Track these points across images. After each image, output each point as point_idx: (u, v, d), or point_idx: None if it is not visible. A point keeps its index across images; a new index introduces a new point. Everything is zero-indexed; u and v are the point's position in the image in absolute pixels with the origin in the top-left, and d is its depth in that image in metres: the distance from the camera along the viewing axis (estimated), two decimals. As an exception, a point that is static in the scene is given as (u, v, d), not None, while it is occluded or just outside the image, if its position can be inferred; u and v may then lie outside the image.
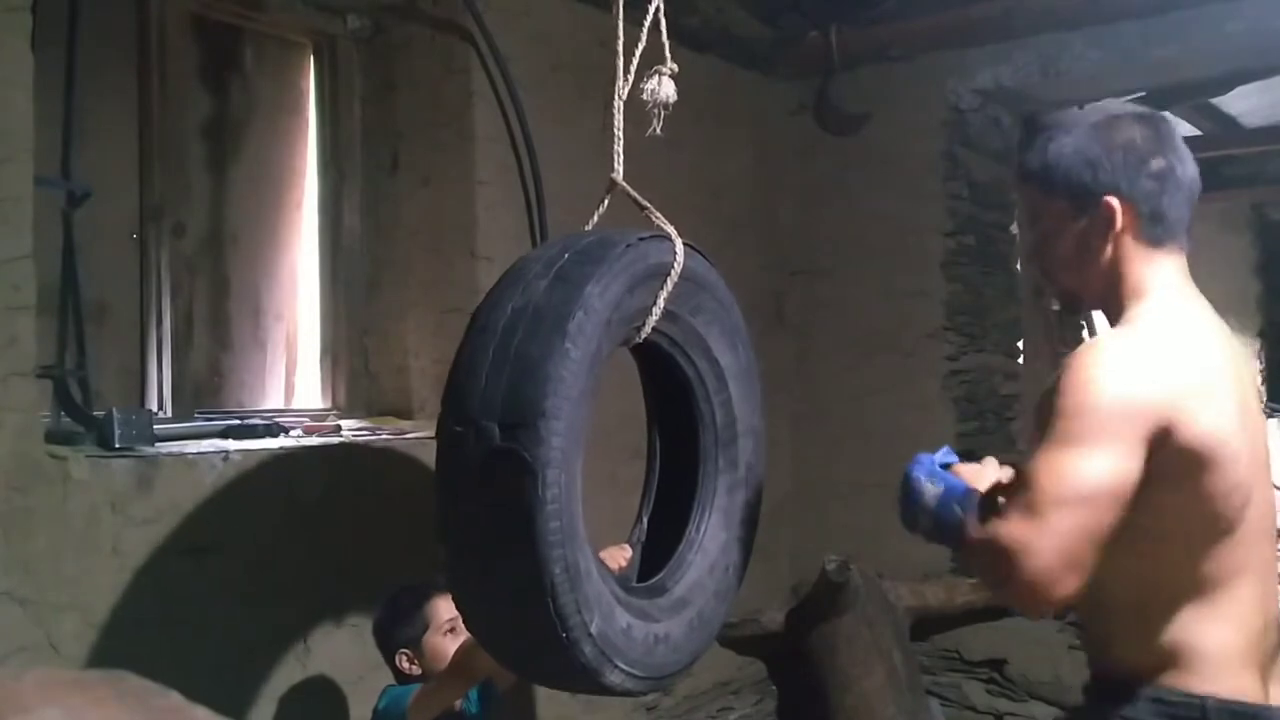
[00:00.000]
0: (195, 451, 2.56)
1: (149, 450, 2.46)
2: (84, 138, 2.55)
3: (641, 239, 1.99)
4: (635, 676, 1.94)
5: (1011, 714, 3.93)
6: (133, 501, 2.37)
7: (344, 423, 3.16)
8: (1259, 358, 7.94)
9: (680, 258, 2.03)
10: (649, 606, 2.06)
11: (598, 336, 1.84)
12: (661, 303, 2.01)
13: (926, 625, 3.85)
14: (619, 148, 2.16)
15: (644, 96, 2.14)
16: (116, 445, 2.39)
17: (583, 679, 1.89)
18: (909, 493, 1.75)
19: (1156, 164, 1.66)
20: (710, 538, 2.26)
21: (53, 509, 2.23)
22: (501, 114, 3.24)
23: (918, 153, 4.17)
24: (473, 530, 1.84)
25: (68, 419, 2.47)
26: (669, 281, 2.01)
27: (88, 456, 2.33)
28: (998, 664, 3.99)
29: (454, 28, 3.21)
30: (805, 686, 3.16)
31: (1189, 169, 1.70)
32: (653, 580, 2.19)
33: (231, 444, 2.67)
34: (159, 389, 2.86)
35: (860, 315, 4.32)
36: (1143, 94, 4.61)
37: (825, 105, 4.32)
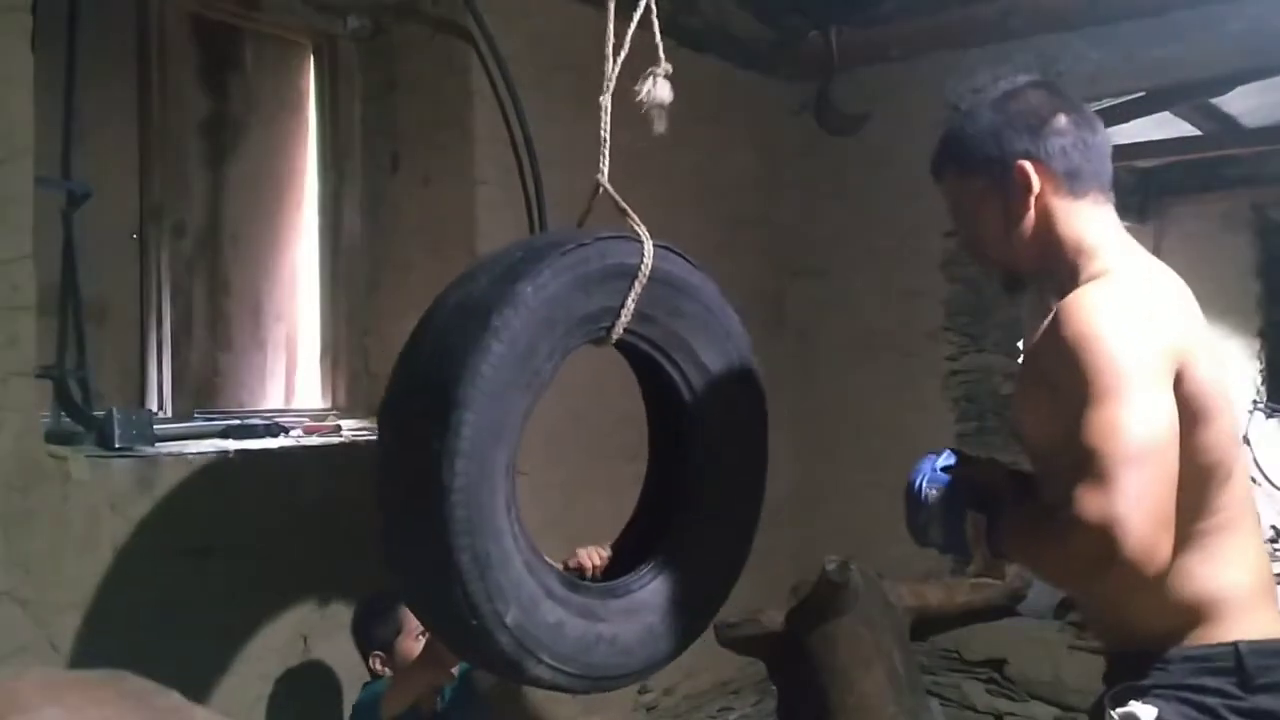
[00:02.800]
0: (195, 451, 2.56)
1: (149, 450, 2.46)
2: (84, 138, 2.55)
3: (599, 238, 1.98)
4: (565, 673, 1.94)
5: (1011, 714, 3.94)
6: (133, 501, 2.37)
7: (344, 423, 3.16)
8: (1259, 358, 7.93)
9: (649, 259, 2.00)
10: (597, 606, 2.03)
11: (531, 333, 1.85)
12: (631, 304, 1.99)
13: (926, 625, 3.84)
14: (605, 149, 2.13)
15: (639, 98, 2.13)
16: (116, 445, 2.39)
17: (504, 668, 1.91)
18: (913, 502, 1.74)
19: (1058, 122, 1.68)
20: (691, 545, 2.20)
21: (53, 509, 2.23)
22: (501, 114, 3.24)
23: (918, 153, 4.13)
24: (394, 517, 1.88)
25: (68, 419, 2.47)
26: (637, 282, 1.99)
27: (88, 456, 2.33)
28: (998, 664, 3.99)
29: (454, 28, 3.21)
30: (805, 686, 3.15)
31: (1095, 126, 1.72)
32: (614, 581, 2.15)
33: (231, 444, 2.67)
34: (159, 389, 2.86)
35: (860, 315, 4.32)
36: (1142, 94, 4.61)
37: (825, 105, 4.32)
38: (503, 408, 1.82)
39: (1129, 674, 1.63)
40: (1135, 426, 1.44)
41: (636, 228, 2.05)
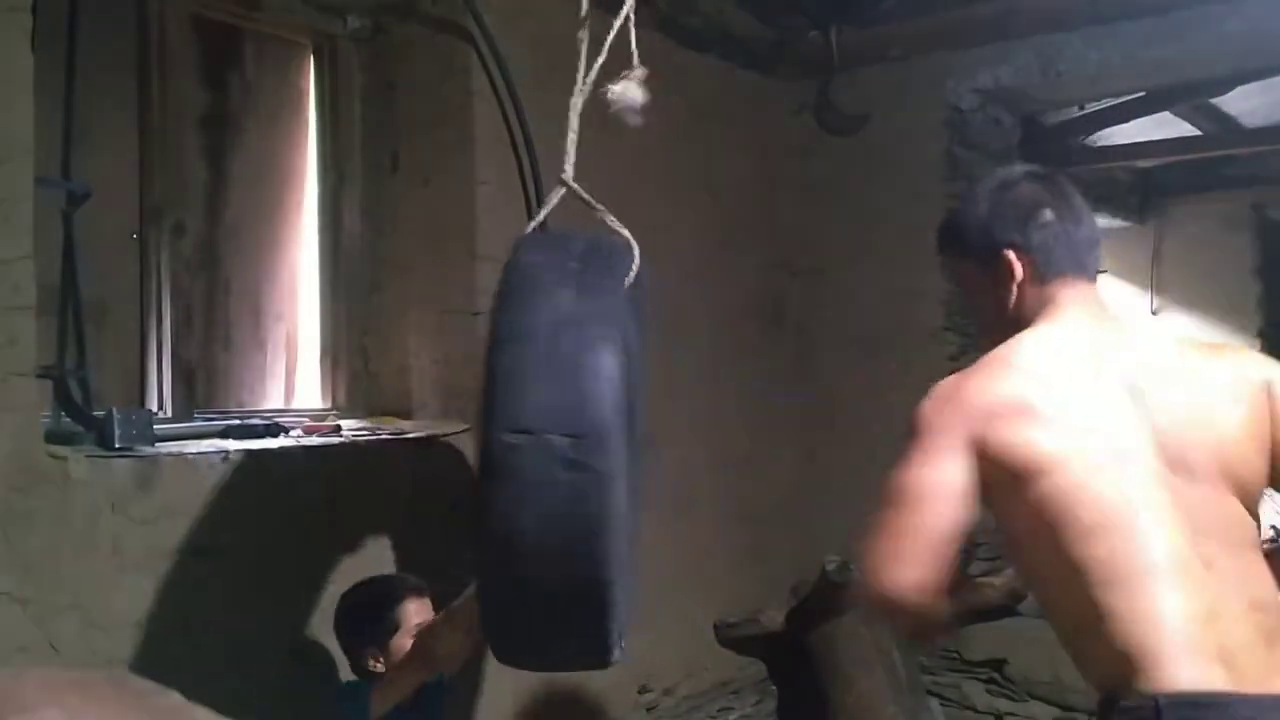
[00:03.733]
0: (195, 451, 2.55)
1: (149, 450, 2.46)
2: (84, 138, 2.55)
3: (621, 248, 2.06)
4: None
5: (1011, 714, 3.94)
6: (133, 501, 2.37)
7: (344, 423, 3.16)
8: (1258, 358, 7.93)
9: (638, 262, 2.06)
10: None
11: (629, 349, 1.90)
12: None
13: (926, 625, 3.85)
14: (571, 148, 2.15)
15: (609, 97, 2.13)
16: (116, 445, 2.39)
17: (600, 667, 2.00)
18: None
19: (1044, 215, 1.84)
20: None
21: (53, 509, 2.23)
22: (501, 114, 3.24)
23: (918, 153, 4.17)
24: (529, 539, 1.79)
25: (68, 419, 2.47)
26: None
27: (88, 456, 2.33)
28: (998, 664, 3.99)
29: (454, 28, 3.21)
30: (805, 686, 3.16)
31: (1081, 217, 1.87)
32: None
33: (231, 444, 2.66)
34: (159, 389, 2.86)
35: (860, 315, 4.32)
36: (1142, 94, 4.62)
37: (825, 105, 4.32)
38: (627, 428, 1.85)
39: (1096, 715, 1.70)
40: (903, 482, 1.70)
41: (620, 230, 2.10)
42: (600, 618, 1.83)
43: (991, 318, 1.89)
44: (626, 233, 2.09)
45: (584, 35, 2.14)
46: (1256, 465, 1.74)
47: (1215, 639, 1.61)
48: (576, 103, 2.12)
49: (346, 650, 2.57)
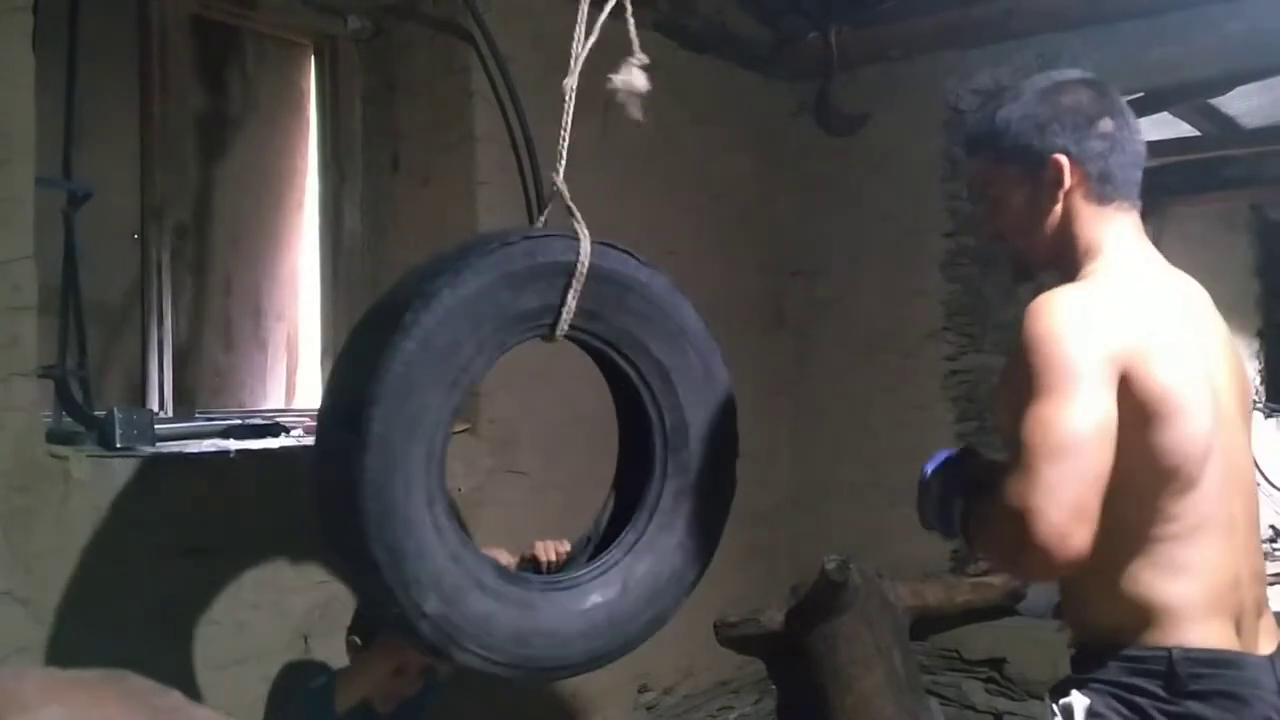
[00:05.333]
0: (196, 451, 2.56)
1: (150, 450, 2.46)
2: (85, 138, 2.55)
3: (527, 237, 2.02)
4: (496, 662, 1.98)
5: (1011, 713, 3.93)
6: (133, 501, 2.37)
7: (344, 423, 3.16)
8: (1258, 358, 7.93)
9: (585, 256, 2.02)
10: (536, 598, 2.06)
11: (450, 330, 1.90)
12: (572, 301, 2.02)
13: (926, 624, 3.85)
14: (564, 148, 2.13)
15: (614, 85, 2.12)
16: (117, 445, 2.39)
17: (431, 652, 1.99)
18: (920, 488, 1.81)
19: (1104, 125, 1.70)
20: (647, 543, 2.20)
21: (54, 509, 2.24)
22: (501, 114, 3.24)
23: (918, 153, 4.17)
24: (321, 510, 1.98)
25: (69, 419, 2.47)
26: (576, 280, 2.02)
27: (89, 456, 2.33)
28: (997, 663, 3.99)
29: (454, 28, 3.21)
30: (805, 686, 3.16)
31: (1136, 133, 1.74)
32: (561, 575, 2.19)
33: (232, 444, 2.67)
34: (160, 389, 2.87)
35: (860, 315, 4.32)
36: (1142, 94, 4.62)
37: (825, 105, 4.32)
38: (417, 403, 1.87)
39: (1080, 667, 1.70)
40: (1063, 424, 1.50)
41: (577, 226, 2.06)
42: (368, 582, 1.90)
43: (1020, 227, 1.76)
44: (583, 228, 2.06)
45: (580, 22, 2.13)
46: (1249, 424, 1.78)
47: (1233, 605, 1.64)
48: (569, 97, 2.11)
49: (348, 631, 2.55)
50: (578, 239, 2.03)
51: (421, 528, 1.89)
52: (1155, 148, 5.86)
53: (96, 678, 1.12)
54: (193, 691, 1.05)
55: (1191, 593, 1.61)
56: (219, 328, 3.10)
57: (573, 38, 2.15)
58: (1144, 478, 1.58)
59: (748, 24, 4.21)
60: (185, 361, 2.93)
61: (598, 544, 2.29)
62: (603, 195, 3.46)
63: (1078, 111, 1.71)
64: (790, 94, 4.42)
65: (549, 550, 2.33)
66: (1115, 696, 1.62)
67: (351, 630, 2.51)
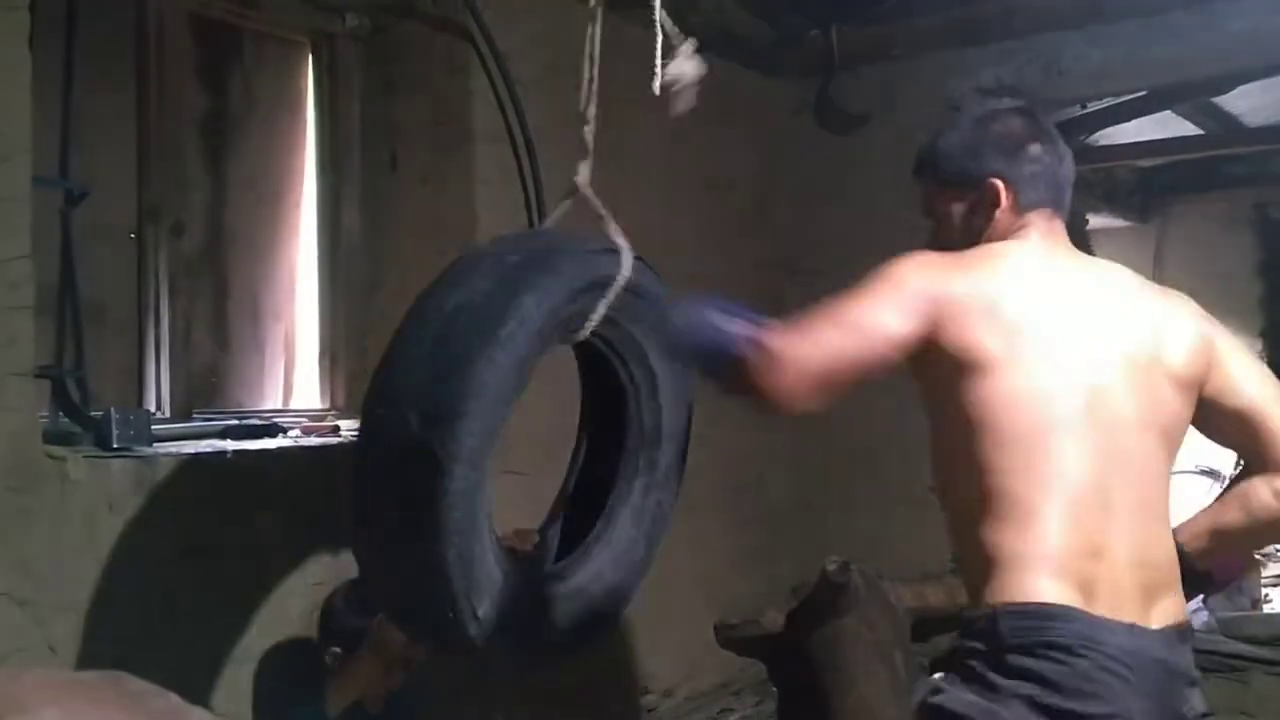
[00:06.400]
0: (193, 452, 2.55)
1: (147, 450, 2.46)
2: (82, 137, 2.54)
3: (591, 252, 2.11)
4: (513, 653, 2.16)
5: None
6: (131, 502, 2.36)
7: (342, 423, 3.16)
8: (1261, 357, 7.91)
9: (627, 271, 2.11)
10: (545, 590, 2.20)
11: (528, 343, 1.95)
12: (602, 310, 2.11)
13: (927, 626, 3.84)
14: (589, 149, 2.18)
15: (664, 79, 2.10)
16: (115, 445, 2.39)
17: (465, 653, 2.07)
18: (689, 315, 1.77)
19: (1033, 149, 1.86)
20: (619, 533, 2.35)
21: (51, 509, 2.23)
22: (501, 114, 3.23)
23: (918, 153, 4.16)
24: (383, 511, 1.97)
25: (66, 419, 2.47)
26: (611, 291, 2.11)
27: (86, 457, 2.32)
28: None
29: (453, 26, 3.20)
30: (806, 688, 3.15)
31: (1064, 155, 1.89)
32: (558, 566, 2.31)
33: (230, 444, 2.66)
34: (157, 389, 2.86)
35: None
36: (1144, 93, 4.61)
37: (826, 105, 4.31)
38: (496, 414, 1.93)
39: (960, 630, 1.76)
40: (850, 310, 1.70)
41: (618, 239, 2.14)
42: (435, 588, 1.92)
43: (960, 244, 1.88)
44: (624, 240, 2.13)
45: (596, 32, 2.13)
46: (1184, 416, 1.81)
47: (1083, 572, 1.65)
48: (590, 100, 2.12)
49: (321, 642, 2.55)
50: (619, 252, 2.13)
51: (484, 534, 1.97)
52: (1158, 147, 5.91)
53: (94, 679, 1.11)
54: (190, 693, 1.04)
55: (1022, 549, 1.64)
56: (216, 328, 3.09)
57: (571, 36, 2.15)
58: (960, 423, 1.70)
59: (749, 22, 4.20)
60: (182, 361, 2.92)
61: (566, 534, 2.41)
62: (602, 194, 3.46)
63: (1009, 138, 1.86)
64: (791, 93, 4.41)
65: (525, 540, 2.42)
66: (956, 663, 1.68)
67: (328, 640, 2.49)
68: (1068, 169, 1.90)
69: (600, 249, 2.13)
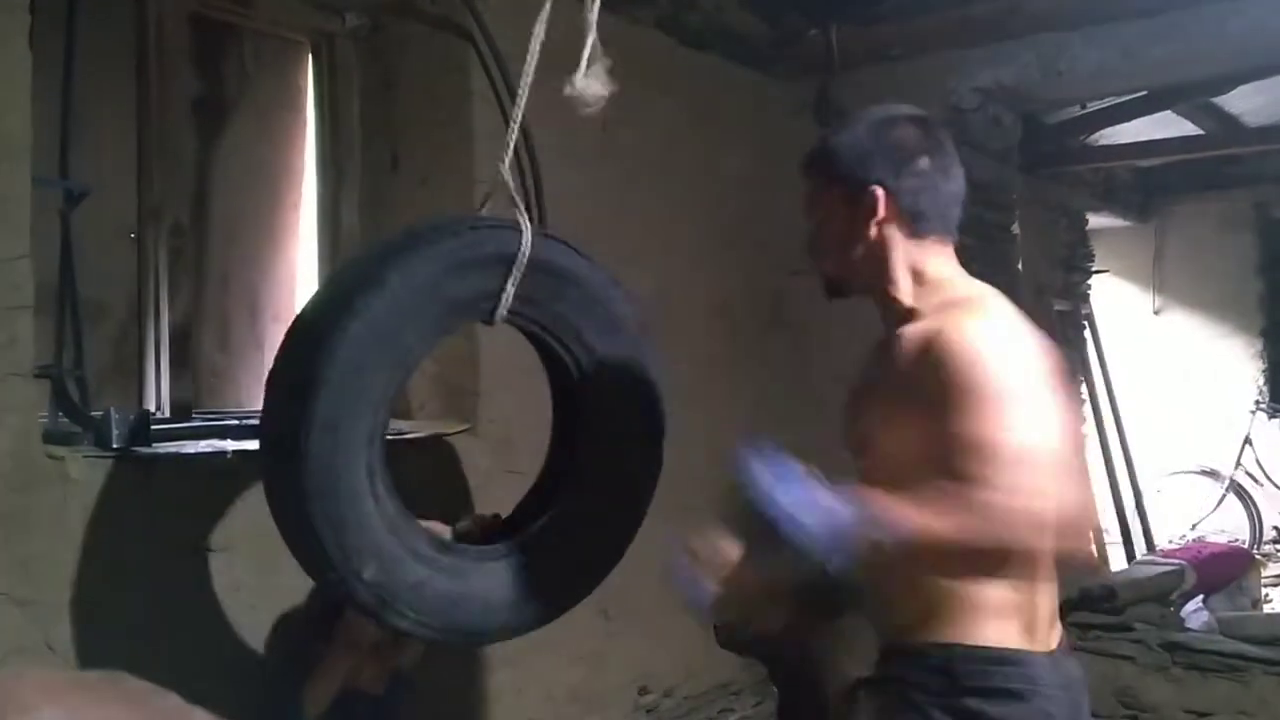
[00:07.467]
0: (193, 452, 2.55)
1: (147, 450, 2.45)
2: (82, 137, 2.54)
3: (474, 226, 2.16)
4: (429, 626, 2.13)
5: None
6: (130, 502, 2.36)
7: (343, 423, 3.15)
8: (1261, 357, 7.92)
9: (526, 247, 2.13)
10: (468, 568, 2.21)
11: (396, 315, 2.02)
12: (511, 288, 2.13)
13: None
14: (511, 138, 2.21)
15: (568, 91, 2.13)
16: (114, 445, 2.38)
17: (369, 615, 2.11)
18: (764, 510, 1.69)
19: (921, 163, 1.83)
20: (573, 517, 2.36)
21: (50, 509, 2.22)
22: (501, 113, 3.23)
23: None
24: (267, 480, 2.12)
25: (65, 419, 2.46)
26: (516, 269, 2.13)
27: (85, 457, 2.32)
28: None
29: (452, 26, 3.19)
30: (805, 687, 3.15)
31: (954, 173, 1.87)
32: (493, 546, 2.32)
33: (229, 444, 2.66)
34: (157, 389, 2.85)
35: (858, 315, 4.30)
36: (1144, 93, 4.61)
37: (825, 104, 4.31)
38: (362, 383, 1.99)
39: (880, 666, 1.82)
40: (1020, 431, 1.60)
41: (520, 218, 2.17)
42: (309, 550, 2.03)
43: (837, 248, 1.89)
44: (525, 219, 2.16)
45: (541, 22, 2.15)
46: None
47: (1026, 608, 1.72)
48: (523, 88, 2.14)
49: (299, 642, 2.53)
50: (520, 229, 2.15)
51: (363, 500, 2.02)
52: (1157, 147, 5.92)
53: (95, 679, 1.11)
54: (190, 692, 1.05)
55: (975, 590, 1.69)
56: (216, 327, 3.09)
57: (571, 35, 2.15)
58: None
59: (748, 21, 4.21)
60: (182, 361, 2.92)
61: (528, 517, 2.43)
62: (601, 194, 3.46)
63: (900, 148, 1.83)
64: (790, 92, 4.41)
65: (488, 525, 2.44)
66: (894, 693, 1.72)
67: (314, 637, 2.47)
68: (956, 186, 1.87)
69: (489, 225, 2.17)
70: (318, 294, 2.21)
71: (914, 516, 1.64)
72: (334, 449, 1.97)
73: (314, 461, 1.95)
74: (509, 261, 2.13)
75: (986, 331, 1.71)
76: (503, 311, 2.16)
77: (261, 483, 2.16)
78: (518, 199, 2.17)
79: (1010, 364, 1.67)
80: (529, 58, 2.11)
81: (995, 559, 1.67)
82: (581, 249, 2.30)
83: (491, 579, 2.24)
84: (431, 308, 2.08)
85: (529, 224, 2.16)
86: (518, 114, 2.16)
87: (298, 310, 2.20)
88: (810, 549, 1.67)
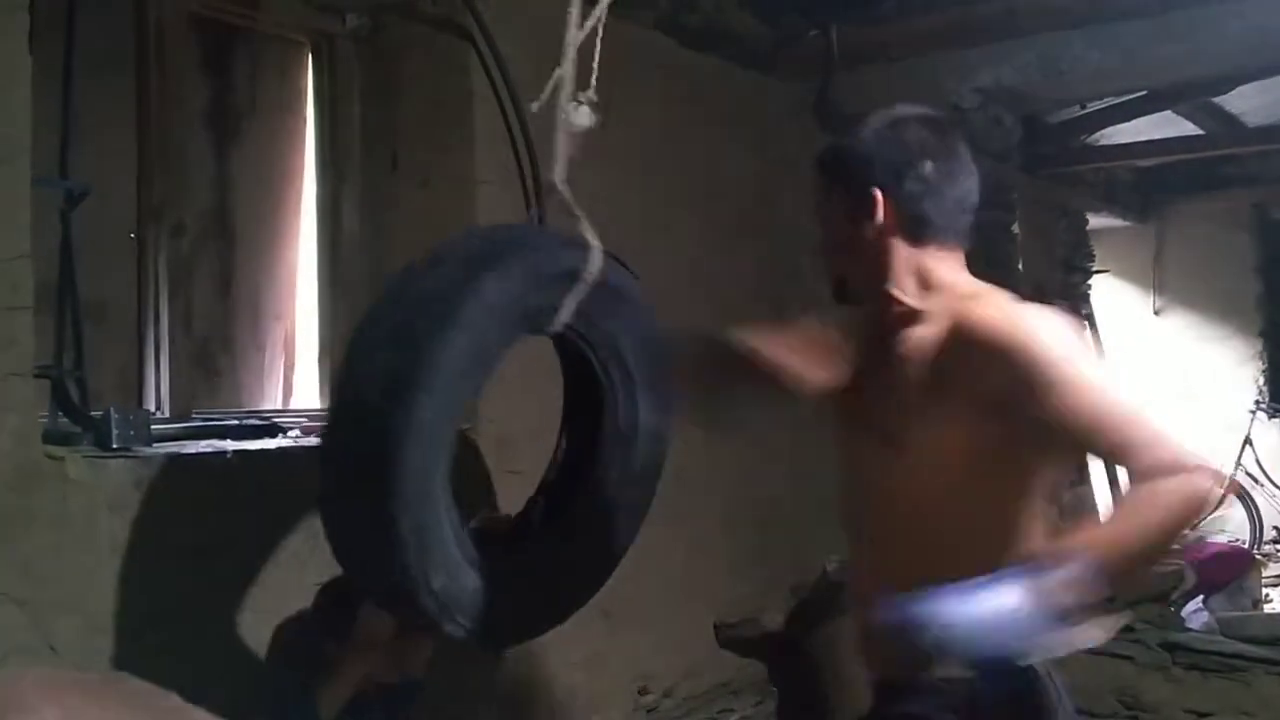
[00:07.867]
0: (193, 452, 2.55)
1: (146, 450, 2.45)
2: (82, 137, 2.54)
3: (558, 245, 2.19)
4: (472, 632, 2.14)
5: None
6: (130, 502, 2.36)
7: (343, 423, 3.15)
8: (1260, 357, 7.92)
9: (595, 266, 2.15)
10: (504, 571, 2.21)
11: (487, 325, 2.05)
12: (571, 303, 2.16)
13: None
14: (560, 149, 2.14)
15: (561, 117, 2.11)
16: (114, 445, 2.39)
17: (423, 626, 2.14)
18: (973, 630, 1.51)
19: (925, 168, 1.77)
20: (594, 525, 2.42)
21: (51, 509, 2.22)
22: (501, 114, 3.23)
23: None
24: (345, 482, 2.07)
25: (65, 419, 2.46)
26: (580, 285, 2.15)
27: (85, 457, 2.32)
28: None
29: (453, 27, 3.20)
30: (805, 687, 3.15)
31: (961, 178, 1.81)
32: (520, 549, 2.36)
33: (230, 444, 2.66)
34: (157, 389, 2.85)
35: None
36: (1144, 93, 4.61)
37: (825, 104, 4.31)
38: (456, 391, 2.02)
39: (885, 702, 1.79)
40: (1117, 385, 1.63)
41: (588, 236, 2.16)
42: (388, 559, 2.01)
43: (841, 249, 1.88)
44: (594, 238, 2.14)
45: (571, 25, 2.15)
46: None
47: None
48: (566, 101, 2.12)
49: (313, 640, 2.53)
50: (588, 248, 2.15)
51: (442, 509, 2.04)
52: (1157, 146, 5.92)
53: (96, 679, 1.11)
54: (190, 693, 1.04)
55: None
56: (216, 328, 3.09)
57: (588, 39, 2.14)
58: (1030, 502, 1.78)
59: (748, 22, 4.21)
60: (182, 362, 2.91)
61: (541, 520, 2.47)
62: (601, 194, 3.45)
63: (904, 151, 1.78)
64: (790, 92, 4.41)
65: (499, 524, 2.48)
66: None
67: (324, 636, 2.47)
68: (963, 192, 1.81)
69: (567, 243, 2.18)
70: (404, 299, 2.13)
71: (1132, 527, 1.56)
72: (426, 458, 1.98)
73: (408, 470, 1.94)
74: (575, 276, 2.15)
75: (1019, 310, 1.71)
76: (558, 325, 2.19)
77: (321, 488, 2.12)
78: (580, 213, 2.14)
79: (1059, 332, 1.66)
80: (564, 62, 2.09)
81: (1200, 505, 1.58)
82: (633, 269, 2.37)
83: (521, 582, 2.27)
84: (512, 318, 2.12)
85: (598, 244, 2.16)
86: (564, 121, 2.14)
87: (374, 303, 2.21)
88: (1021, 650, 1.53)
